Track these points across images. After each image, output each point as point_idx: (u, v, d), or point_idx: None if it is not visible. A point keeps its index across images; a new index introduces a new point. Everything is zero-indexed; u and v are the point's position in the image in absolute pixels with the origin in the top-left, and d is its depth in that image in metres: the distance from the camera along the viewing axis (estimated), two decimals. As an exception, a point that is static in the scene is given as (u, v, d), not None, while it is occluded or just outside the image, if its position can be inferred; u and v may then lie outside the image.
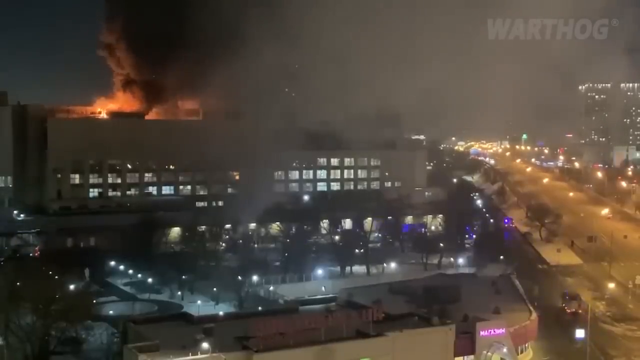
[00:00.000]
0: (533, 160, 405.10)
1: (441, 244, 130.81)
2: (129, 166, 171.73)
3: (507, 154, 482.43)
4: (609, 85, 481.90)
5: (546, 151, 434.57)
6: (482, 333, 73.77)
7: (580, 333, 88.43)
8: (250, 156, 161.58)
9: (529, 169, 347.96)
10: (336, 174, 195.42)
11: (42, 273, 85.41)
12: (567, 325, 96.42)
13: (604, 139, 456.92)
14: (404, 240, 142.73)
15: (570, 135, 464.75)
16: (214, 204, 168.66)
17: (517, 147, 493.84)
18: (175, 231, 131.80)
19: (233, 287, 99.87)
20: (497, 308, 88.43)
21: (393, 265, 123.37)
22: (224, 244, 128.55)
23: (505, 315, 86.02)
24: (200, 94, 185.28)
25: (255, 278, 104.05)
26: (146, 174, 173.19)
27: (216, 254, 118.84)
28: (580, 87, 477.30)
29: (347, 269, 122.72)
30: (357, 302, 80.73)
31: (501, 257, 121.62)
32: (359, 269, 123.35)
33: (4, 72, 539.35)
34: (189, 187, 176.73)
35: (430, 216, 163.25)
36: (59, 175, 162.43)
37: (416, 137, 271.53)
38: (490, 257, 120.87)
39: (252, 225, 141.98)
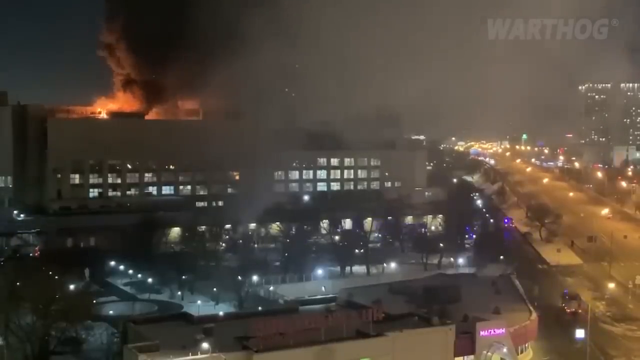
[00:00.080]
0: (533, 160, 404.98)
1: (441, 244, 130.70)
2: (129, 166, 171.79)
3: (507, 154, 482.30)
4: (609, 85, 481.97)
5: (546, 151, 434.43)
6: (482, 333, 73.77)
7: (580, 333, 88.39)
8: (250, 156, 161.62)
9: (529, 169, 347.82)
10: (336, 174, 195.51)
11: (42, 273, 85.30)
12: (567, 325, 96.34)
13: (604, 139, 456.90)
14: (404, 240, 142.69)
15: (570, 135, 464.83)
16: (214, 204, 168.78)
17: (517, 147, 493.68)
18: (175, 231, 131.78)
19: (233, 287, 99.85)
20: (497, 308, 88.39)
21: (393, 265, 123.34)
22: (224, 244, 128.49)
23: (505, 315, 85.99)
24: (200, 94, 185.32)
25: (255, 278, 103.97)
26: (146, 174, 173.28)
27: (216, 254, 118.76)
28: (580, 87, 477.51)
29: (347, 269, 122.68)
30: (357, 302, 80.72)
31: (501, 257, 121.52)
32: (359, 269, 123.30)
33: (4, 72, 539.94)
34: (189, 187, 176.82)
35: (430, 216, 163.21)
36: (59, 175, 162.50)
37: (416, 137, 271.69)
38: (490, 257, 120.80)
39: (252, 225, 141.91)
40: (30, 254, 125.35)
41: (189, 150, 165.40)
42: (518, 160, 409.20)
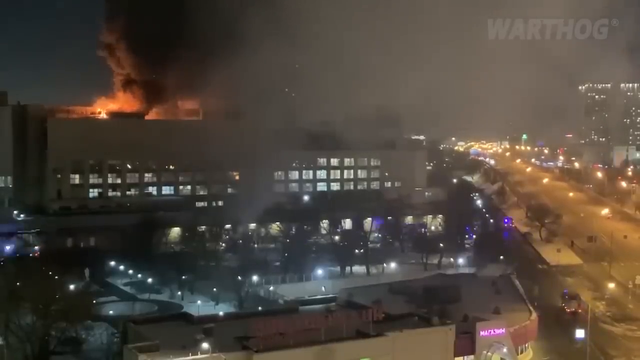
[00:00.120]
0: (533, 160, 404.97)
1: (441, 244, 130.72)
2: (129, 166, 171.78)
3: (507, 154, 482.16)
4: (609, 85, 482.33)
5: (546, 151, 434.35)
6: (482, 333, 73.75)
7: (580, 333, 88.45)
8: (250, 156, 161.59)
9: (529, 169, 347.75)
10: (336, 174, 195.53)
11: (42, 273, 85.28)
12: (567, 325, 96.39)
13: (604, 139, 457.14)
14: (404, 240, 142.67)
15: (570, 135, 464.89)
16: (214, 204, 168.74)
17: (517, 147, 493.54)
18: (175, 231, 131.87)
19: (233, 287, 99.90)
20: (497, 308, 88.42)
21: (393, 265, 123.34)
22: (224, 244, 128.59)
23: (505, 315, 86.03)
24: (200, 94, 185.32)
25: (255, 278, 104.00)
26: (146, 174, 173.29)
27: (216, 254, 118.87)
28: (580, 87, 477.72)
29: (347, 269, 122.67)
30: (357, 302, 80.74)
31: (501, 257, 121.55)
32: (359, 269, 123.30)
33: (4, 72, 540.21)
34: (189, 187, 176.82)
35: (430, 216, 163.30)
36: (59, 175, 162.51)
37: (416, 137, 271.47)
38: (490, 257, 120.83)
39: (252, 225, 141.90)
40: (30, 254, 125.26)
41: (189, 150, 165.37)
42: (518, 161, 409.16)
